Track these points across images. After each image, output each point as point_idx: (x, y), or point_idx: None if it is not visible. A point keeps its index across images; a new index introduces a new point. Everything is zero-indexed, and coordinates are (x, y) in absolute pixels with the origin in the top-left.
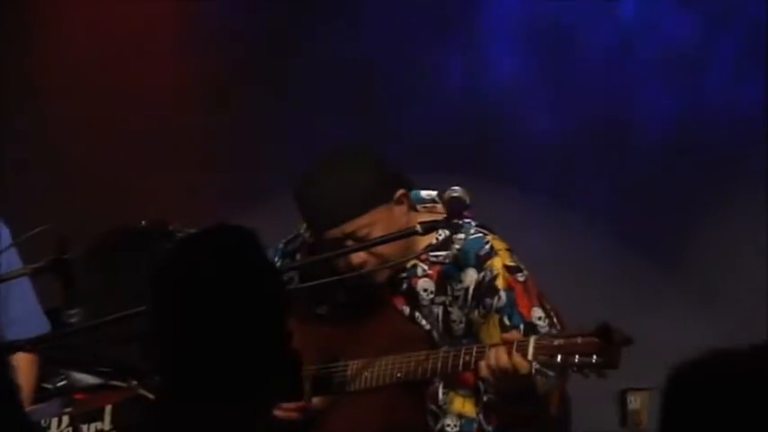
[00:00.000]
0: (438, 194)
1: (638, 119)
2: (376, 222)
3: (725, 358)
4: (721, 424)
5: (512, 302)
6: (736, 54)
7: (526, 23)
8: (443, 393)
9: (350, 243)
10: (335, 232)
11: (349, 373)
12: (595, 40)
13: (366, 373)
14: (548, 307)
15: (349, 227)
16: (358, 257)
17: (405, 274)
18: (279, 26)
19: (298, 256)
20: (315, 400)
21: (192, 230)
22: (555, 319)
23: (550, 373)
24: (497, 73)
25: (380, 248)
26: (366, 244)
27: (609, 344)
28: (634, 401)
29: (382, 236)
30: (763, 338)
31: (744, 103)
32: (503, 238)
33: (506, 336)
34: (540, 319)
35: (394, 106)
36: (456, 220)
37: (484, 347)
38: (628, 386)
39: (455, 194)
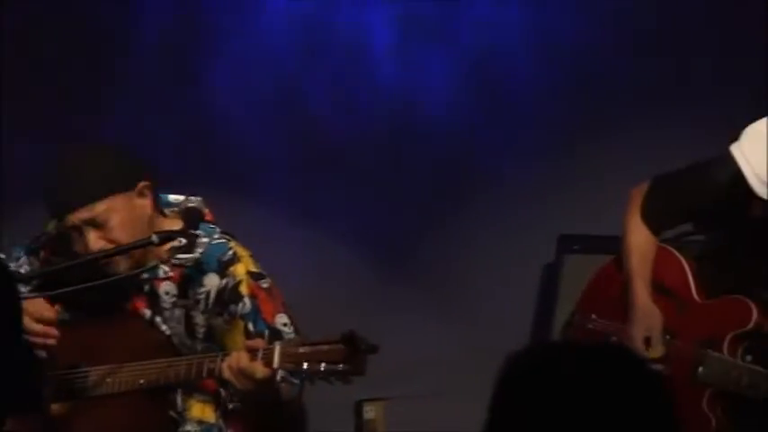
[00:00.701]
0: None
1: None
2: (114, 210)
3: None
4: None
5: (256, 309)
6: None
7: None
8: (182, 400)
9: (90, 231)
10: (73, 219)
11: (91, 379)
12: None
13: (108, 380)
14: (291, 314)
15: (85, 212)
16: (96, 244)
17: (146, 276)
18: None
19: (42, 254)
20: (55, 406)
21: None
22: (296, 326)
23: (296, 381)
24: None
25: (119, 238)
26: (108, 252)
27: (355, 351)
28: (370, 411)
29: (119, 245)
30: (500, 343)
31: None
32: (246, 246)
33: (250, 343)
34: (284, 325)
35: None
36: (192, 231)
37: (228, 355)
38: (363, 396)
39: (191, 204)
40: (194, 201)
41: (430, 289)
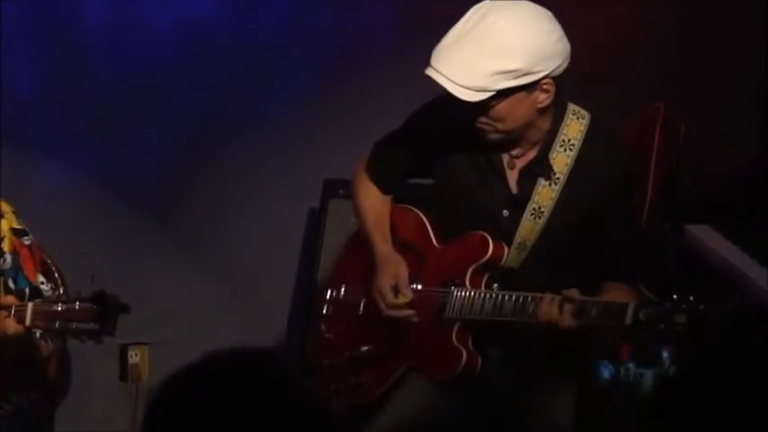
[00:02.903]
0: None
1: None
2: None
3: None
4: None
5: (17, 266)
6: None
7: None
8: None
9: None
10: None
11: None
12: None
13: None
14: (53, 270)
15: None
16: None
17: None
18: None
19: None
20: None
21: None
22: (60, 284)
23: (56, 339)
24: None
25: None
26: None
27: (106, 311)
28: (134, 356)
29: None
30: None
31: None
32: (9, 201)
33: (3, 300)
34: (43, 284)
35: None
36: None
37: None
38: (128, 341)
39: None
40: None
41: (192, 236)
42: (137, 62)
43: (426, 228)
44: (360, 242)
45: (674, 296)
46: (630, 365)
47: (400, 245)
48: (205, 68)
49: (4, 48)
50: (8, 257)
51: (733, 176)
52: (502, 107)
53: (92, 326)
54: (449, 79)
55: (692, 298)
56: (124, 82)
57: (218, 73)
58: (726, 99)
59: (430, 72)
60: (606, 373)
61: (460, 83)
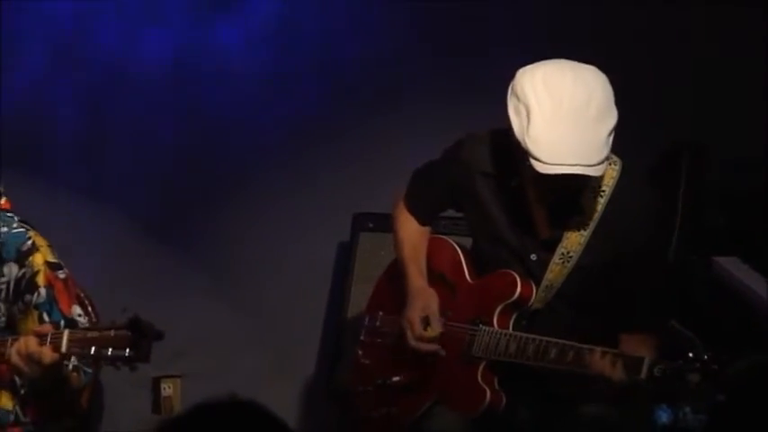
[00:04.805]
0: None
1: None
2: None
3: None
4: None
5: (51, 299)
6: None
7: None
8: None
9: None
10: None
11: None
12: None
13: None
14: (86, 303)
15: None
16: None
17: None
18: None
19: None
20: None
21: None
22: (93, 315)
23: (88, 370)
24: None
25: None
26: None
27: (141, 337)
28: (167, 389)
29: None
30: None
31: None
32: (43, 235)
33: (39, 328)
34: (79, 315)
35: None
36: None
37: (17, 339)
38: (160, 373)
39: None
40: None
41: (224, 268)
42: (171, 98)
43: (461, 261)
44: (395, 272)
45: (690, 354)
46: (687, 410)
47: (434, 275)
48: (236, 100)
49: (37, 89)
50: (43, 291)
51: (759, 207)
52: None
53: (127, 352)
54: (585, 166)
55: (706, 357)
56: (153, 114)
57: (249, 105)
58: (750, 130)
59: (559, 170)
60: (665, 417)
61: (594, 163)
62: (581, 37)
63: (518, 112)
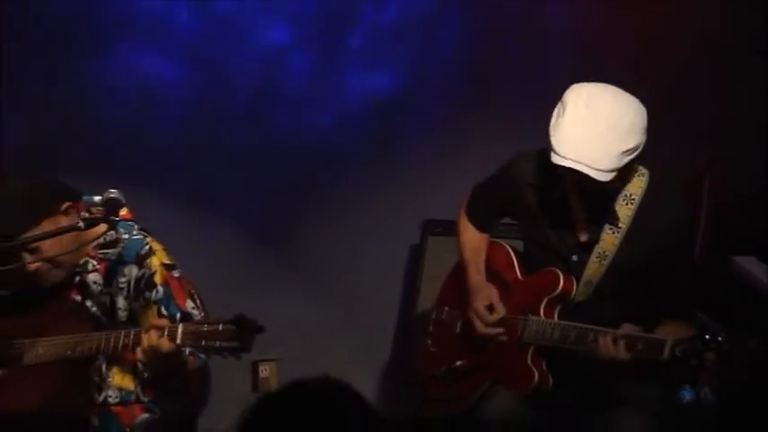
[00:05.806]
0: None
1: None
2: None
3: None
4: None
5: (168, 295)
6: None
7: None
8: (106, 368)
9: (25, 255)
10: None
11: (22, 349)
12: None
13: (39, 350)
14: (196, 298)
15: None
16: (33, 265)
17: (78, 269)
18: None
19: None
20: None
21: None
22: (204, 308)
23: (201, 355)
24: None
25: (52, 253)
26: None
27: (244, 331)
28: (264, 371)
29: (43, 234)
30: (371, 314)
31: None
32: (159, 240)
33: (156, 322)
34: (193, 308)
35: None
36: (113, 217)
37: (140, 331)
38: (258, 357)
39: (111, 195)
40: (114, 192)
41: (313, 268)
42: (257, 116)
43: (513, 262)
44: (459, 272)
45: (706, 336)
46: (707, 390)
47: (492, 274)
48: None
49: (143, 103)
50: (160, 289)
51: None
52: (616, 178)
53: (233, 344)
54: (589, 167)
55: (720, 338)
56: (254, 131)
57: (334, 118)
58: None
59: (566, 163)
60: (688, 396)
61: (599, 167)
62: None
63: (557, 113)
